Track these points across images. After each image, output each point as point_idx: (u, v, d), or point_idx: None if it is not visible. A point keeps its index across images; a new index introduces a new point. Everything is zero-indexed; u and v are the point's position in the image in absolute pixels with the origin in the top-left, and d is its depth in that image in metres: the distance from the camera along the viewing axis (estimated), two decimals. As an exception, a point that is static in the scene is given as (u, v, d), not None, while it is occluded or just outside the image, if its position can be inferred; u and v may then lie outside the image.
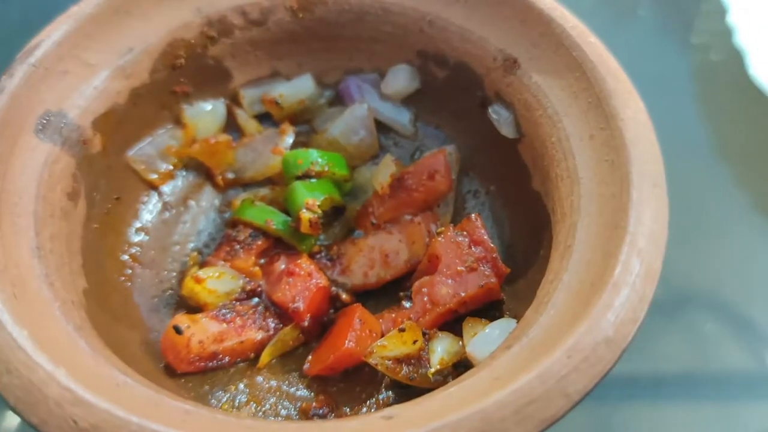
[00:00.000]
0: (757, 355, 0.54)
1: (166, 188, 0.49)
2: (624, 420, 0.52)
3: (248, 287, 0.45)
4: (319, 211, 0.44)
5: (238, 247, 0.46)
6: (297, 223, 0.44)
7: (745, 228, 0.60)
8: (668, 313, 0.56)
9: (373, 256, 0.45)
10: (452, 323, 0.42)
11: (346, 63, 0.51)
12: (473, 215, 0.43)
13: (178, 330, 0.41)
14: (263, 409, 0.41)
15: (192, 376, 0.42)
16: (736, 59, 0.64)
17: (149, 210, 0.49)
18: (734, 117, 0.67)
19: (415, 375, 0.39)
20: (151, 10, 0.45)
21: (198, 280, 0.44)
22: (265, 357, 0.43)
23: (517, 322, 0.37)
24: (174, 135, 0.49)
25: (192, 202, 0.50)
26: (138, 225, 0.48)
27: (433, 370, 0.39)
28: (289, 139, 0.50)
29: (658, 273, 0.33)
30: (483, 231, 0.42)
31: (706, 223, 0.60)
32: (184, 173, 0.50)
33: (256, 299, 0.45)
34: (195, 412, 0.31)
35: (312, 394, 0.42)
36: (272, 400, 0.42)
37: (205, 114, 0.50)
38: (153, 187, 0.49)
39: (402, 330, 0.39)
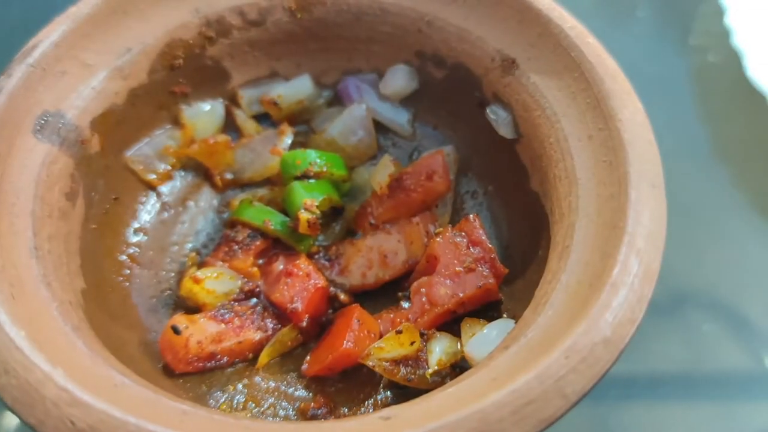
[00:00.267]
0: (754, 354, 0.54)
1: (164, 188, 0.49)
2: (622, 420, 0.52)
3: (246, 288, 0.45)
4: (318, 212, 0.44)
5: (236, 247, 0.46)
6: (295, 223, 0.44)
7: (743, 228, 0.60)
8: (666, 313, 0.56)
9: (371, 256, 0.45)
10: (450, 324, 0.42)
11: (345, 63, 0.51)
12: (471, 216, 0.43)
13: (176, 330, 0.41)
14: (261, 409, 0.41)
15: (190, 376, 0.42)
16: (733, 60, 0.65)
17: (147, 210, 0.48)
18: (732, 118, 0.67)
19: (413, 376, 0.39)
20: (148, 10, 0.45)
21: (196, 281, 0.44)
22: (263, 358, 0.43)
23: (516, 323, 0.37)
24: (172, 135, 0.49)
25: (190, 203, 0.50)
26: (136, 225, 0.48)
27: (431, 370, 0.39)
28: (288, 140, 0.50)
29: (656, 273, 0.33)
30: (481, 231, 0.42)
31: (704, 223, 0.60)
32: (183, 174, 0.50)
33: (254, 300, 0.45)
34: (193, 413, 0.31)
35: (310, 394, 0.42)
36: (271, 400, 0.42)
37: (204, 114, 0.50)
38: (151, 187, 0.49)
39: (399, 332, 0.39)
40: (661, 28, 0.76)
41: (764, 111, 0.63)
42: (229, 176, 0.50)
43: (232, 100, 0.51)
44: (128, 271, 0.46)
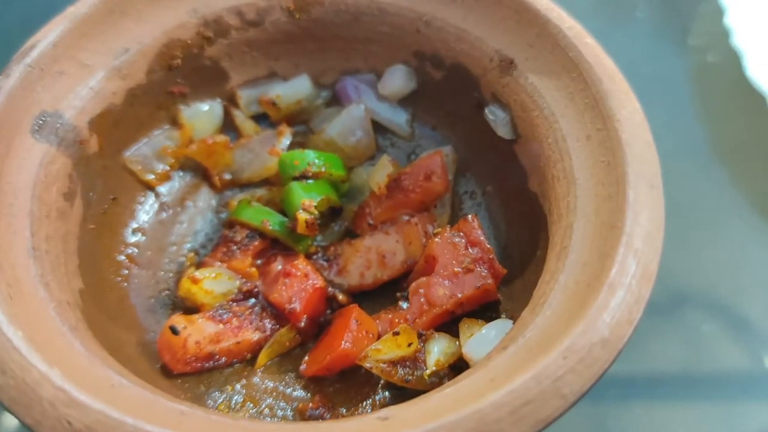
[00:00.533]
0: (753, 354, 0.54)
1: (162, 189, 0.49)
2: (620, 420, 0.52)
3: (245, 288, 0.45)
4: (316, 212, 0.44)
5: (234, 247, 0.46)
6: (294, 223, 0.44)
7: (741, 228, 0.60)
8: (665, 313, 0.56)
9: (369, 256, 0.45)
10: (449, 324, 0.42)
11: (343, 63, 0.51)
12: (470, 216, 0.43)
13: (174, 330, 0.41)
14: (260, 409, 0.41)
15: (188, 376, 0.42)
16: (733, 60, 0.65)
17: (146, 210, 0.48)
18: (731, 118, 0.67)
19: (411, 377, 0.39)
20: (146, 10, 0.45)
21: (195, 281, 0.44)
22: (262, 358, 0.43)
23: (514, 323, 0.37)
24: (171, 136, 0.49)
25: (189, 203, 0.50)
26: (134, 225, 0.48)
27: (429, 371, 0.39)
28: (287, 141, 0.50)
29: (654, 273, 0.33)
30: (480, 232, 0.42)
31: (703, 223, 0.60)
32: (181, 174, 0.50)
33: (252, 300, 0.45)
34: (190, 413, 0.31)
35: (308, 394, 0.42)
36: (269, 400, 0.42)
37: (202, 114, 0.50)
38: (150, 187, 0.49)
39: (396, 333, 0.39)
40: (661, 28, 0.76)
41: (763, 111, 0.63)
42: (227, 176, 0.50)
43: (231, 101, 0.51)
44: (126, 272, 0.46)
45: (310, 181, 0.46)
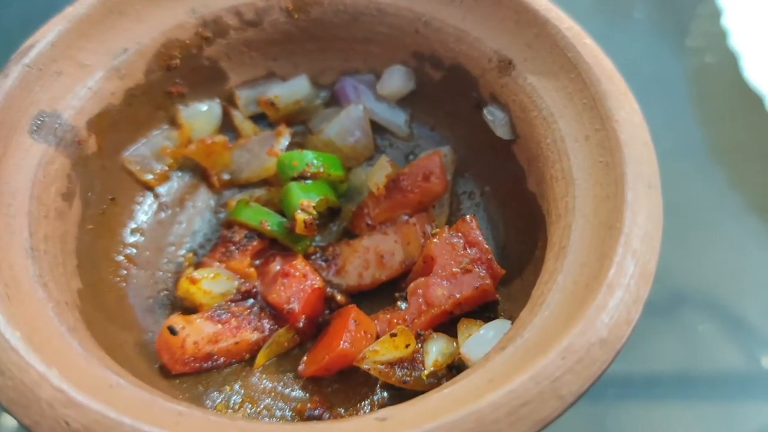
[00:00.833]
0: (750, 355, 0.55)
1: (161, 189, 0.49)
2: (618, 420, 0.52)
3: (243, 288, 0.45)
4: (314, 212, 0.44)
5: (233, 248, 0.46)
6: (292, 224, 0.44)
7: (739, 229, 0.60)
8: (663, 314, 0.56)
9: (368, 256, 0.45)
10: (447, 324, 0.42)
11: (342, 64, 0.51)
12: (468, 216, 0.43)
13: (172, 331, 0.41)
14: (258, 410, 0.41)
15: (187, 376, 0.42)
16: (730, 61, 0.65)
17: (144, 211, 0.48)
18: (729, 118, 0.68)
19: (409, 378, 0.39)
20: (145, 10, 0.44)
21: (193, 281, 0.44)
22: (260, 358, 0.43)
23: (512, 323, 0.37)
24: (169, 136, 0.49)
25: (188, 203, 0.50)
26: (133, 226, 0.48)
27: (427, 372, 0.39)
28: (285, 141, 0.50)
29: (652, 274, 0.33)
30: (478, 232, 0.42)
31: (701, 223, 0.61)
32: (180, 174, 0.50)
33: (251, 300, 0.45)
34: (188, 413, 0.31)
35: (307, 395, 0.42)
36: (267, 401, 0.42)
37: (201, 115, 0.50)
38: (148, 187, 0.49)
39: (394, 335, 0.39)
40: (659, 29, 0.76)
41: (761, 112, 0.63)
42: (226, 177, 0.50)
43: (230, 101, 0.51)
44: (125, 272, 0.46)
45: (308, 182, 0.46)
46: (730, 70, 0.65)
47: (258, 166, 0.49)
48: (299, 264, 0.44)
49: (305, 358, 0.43)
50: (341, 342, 0.39)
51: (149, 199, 0.49)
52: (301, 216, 0.44)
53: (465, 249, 0.42)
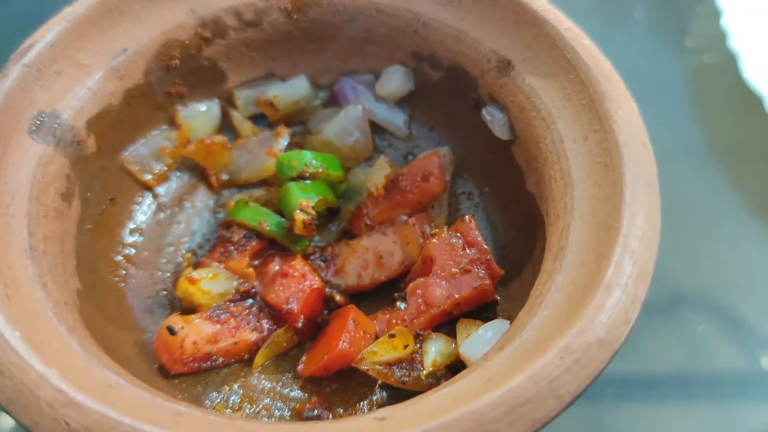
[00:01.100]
0: (749, 355, 0.55)
1: (160, 189, 0.49)
2: (617, 421, 0.52)
3: (242, 288, 0.45)
4: (313, 213, 0.44)
5: (232, 248, 0.46)
6: (291, 224, 0.44)
7: (737, 229, 0.60)
8: (661, 314, 0.56)
9: (367, 257, 0.45)
10: (446, 324, 0.42)
11: (341, 64, 0.51)
12: (467, 217, 0.43)
13: (171, 331, 0.41)
14: (257, 410, 0.41)
15: (186, 377, 0.42)
16: (729, 62, 0.65)
17: (143, 211, 0.48)
18: (728, 119, 0.68)
19: (408, 378, 0.39)
20: (144, 11, 0.45)
21: (192, 281, 0.44)
22: (259, 358, 0.43)
23: (511, 324, 0.37)
24: (168, 136, 0.49)
25: (186, 203, 0.50)
26: (132, 226, 0.48)
27: (425, 372, 0.39)
28: (284, 142, 0.50)
29: (650, 274, 0.33)
30: (477, 232, 0.42)
31: (700, 224, 0.61)
32: (179, 174, 0.50)
33: (250, 300, 0.45)
34: (188, 413, 0.31)
35: (306, 395, 0.42)
36: (266, 401, 0.42)
37: (200, 115, 0.50)
38: (147, 188, 0.49)
39: (392, 336, 0.39)
40: (658, 29, 0.76)
41: (760, 112, 0.63)
42: (225, 177, 0.50)
43: (229, 101, 0.51)
44: (124, 272, 0.46)
45: (307, 182, 0.46)
46: (730, 70, 0.65)
47: (257, 166, 0.49)
48: (298, 264, 0.44)
49: (304, 358, 0.43)
50: (340, 342, 0.40)
51: (148, 199, 0.49)
52: (300, 216, 0.44)
53: (464, 249, 0.42)
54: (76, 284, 0.40)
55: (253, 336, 0.43)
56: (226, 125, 0.51)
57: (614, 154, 0.36)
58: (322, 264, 0.46)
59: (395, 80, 0.50)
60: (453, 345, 0.40)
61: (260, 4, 0.47)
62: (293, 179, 0.46)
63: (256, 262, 0.46)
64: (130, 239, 0.47)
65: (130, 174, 0.48)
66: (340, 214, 0.49)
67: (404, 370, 0.39)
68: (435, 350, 0.40)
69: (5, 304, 0.33)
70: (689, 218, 0.60)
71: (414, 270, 0.44)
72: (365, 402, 0.41)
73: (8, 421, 0.52)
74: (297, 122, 0.52)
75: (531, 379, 0.29)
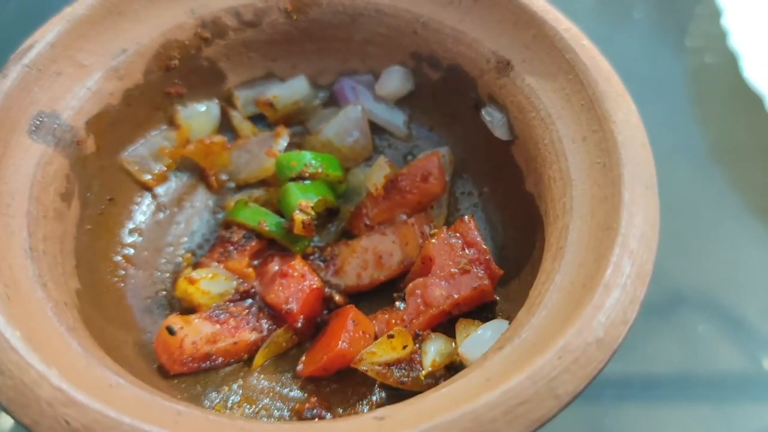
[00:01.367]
0: (749, 355, 0.54)
1: (159, 189, 0.49)
2: (616, 421, 0.52)
3: (242, 288, 0.45)
4: (313, 213, 0.44)
5: (231, 248, 0.46)
6: (290, 224, 0.44)
7: (737, 229, 0.60)
8: (660, 314, 0.56)
9: (366, 257, 0.45)
10: (445, 324, 0.42)
11: (341, 64, 0.51)
12: (466, 217, 0.43)
13: (171, 331, 0.41)
14: (256, 409, 0.41)
15: (185, 377, 0.42)
16: (730, 62, 0.65)
17: (143, 211, 0.49)
18: (728, 119, 0.68)
19: (407, 379, 0.39)
20: (144, 11, 0.45)
21: (191, 281, 0.44)
22: (258, 358, 0.43)
23: (510, 323, 0.37)
24: (168, 136, 0.49)
25: (186, 204, 0.50)
26: (131, 226, 0.48)
27: (425, 372, 0.39)
28: (284, 143, 0.50)
29: (649, 274, 0.33)
30: (476, 233, 0.42)
31: (700, 224, 0.61)
32: (178, 174, 0.50)
33: (249, 300, 0.45)
34: (187, 413, 0.31)
35: (305, 395, 0.42)
36: (265, 401, 0.42)
37: (199, 115, 0.50)
38: (147, 188, 0.49)
39: (391, 336, 0.39)
40: (658, 29, 0.76)
41: (760, 112, 0.63)
42: (224, 177, 0.50)
43: (228, 101, 0.51)
44: (123, 272, 0.46)
45: (307, 182, 0.46)
46: (730, 70, 0.65)
47: (256, 166, 0.50)
48: (298, 264, 0.44)
49: (303, 358, 0.43)
50: (339, 342, 0.40)
51: (147, 199, 0.49)
52: (299, 216, 0.44)
53: (463, 249, 0.42)
54: (75, 284, 0.40)
55: (253, 336, 0.43)
56: (225, 125, 0.51)
57: (613, 155, 0.36)
58: (322, 264, 0.46)
59: (395, 80, 0.50)
60: (452, 345, 0.40)
61: (260, 5, 0.47)
62: (293, 179, 0.46)
63: (255, 263, 0.46)
64: (130, 239, 0.47)
65: (130, 174, 0.48)
66: (340, 214, 0.49)
67: (403, 371, 0.39)
68: (434, 350, 0.40)
69: (5, 304, 0.33)
70: (689, 218, 0.60)
71: (413, 270, 0.44)
72: (364, 402, 0.41)
73: (8, 421, 0.52)
74: (296, 122, 0.52)
75: (530, 378, 0.29)
